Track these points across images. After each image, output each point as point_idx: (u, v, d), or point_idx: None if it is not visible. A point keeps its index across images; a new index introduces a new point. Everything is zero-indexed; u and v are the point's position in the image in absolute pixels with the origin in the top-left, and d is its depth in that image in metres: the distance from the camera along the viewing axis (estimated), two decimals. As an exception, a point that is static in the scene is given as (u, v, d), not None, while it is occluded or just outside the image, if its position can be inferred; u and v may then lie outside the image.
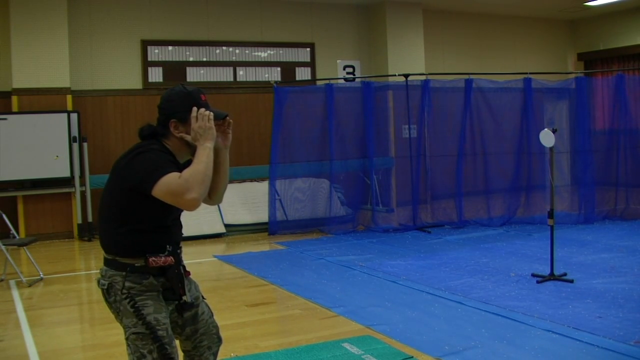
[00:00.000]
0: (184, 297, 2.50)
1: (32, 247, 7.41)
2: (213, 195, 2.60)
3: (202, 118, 2.42)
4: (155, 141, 2.47)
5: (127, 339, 2.39)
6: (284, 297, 5.61)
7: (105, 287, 2.43)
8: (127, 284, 2.39)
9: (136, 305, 2.38)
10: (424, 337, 4.28)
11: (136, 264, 2.40)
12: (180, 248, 2.56)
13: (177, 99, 2.48)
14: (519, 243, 7.63)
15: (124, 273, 2.40)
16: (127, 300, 2.38)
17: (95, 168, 9.38)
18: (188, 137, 2.46)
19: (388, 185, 9.32)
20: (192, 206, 2.31)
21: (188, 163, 2.46)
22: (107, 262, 2.46)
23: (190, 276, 2.64)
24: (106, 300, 2.46)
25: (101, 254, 2.52)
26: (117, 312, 2.42)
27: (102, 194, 2.53)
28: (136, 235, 2.41)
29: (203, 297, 2.69)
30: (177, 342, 2.63)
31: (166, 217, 2.47)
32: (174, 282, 2.47)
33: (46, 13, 9.09)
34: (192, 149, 2.46)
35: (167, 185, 2.29)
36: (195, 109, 2.44)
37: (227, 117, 2.56)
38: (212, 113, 2.45)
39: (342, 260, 7.00)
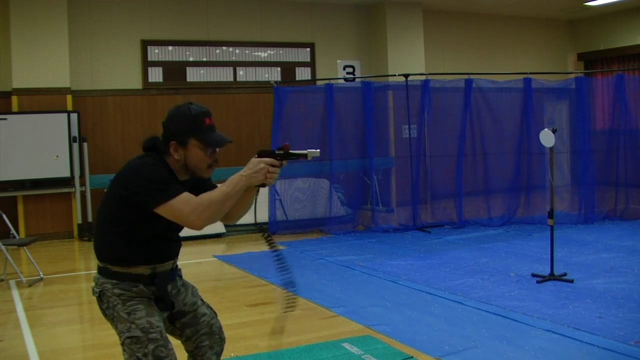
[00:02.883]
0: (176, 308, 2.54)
1: (32, 247, 7.41)
2: (230, 219, 2.56)
3: (261, 171, 2.34)
4: (157, 155, 2.45)
5: (122, 344, 2.39)
6: (284, 295, 5.60)
7: (97, 294, 2.45)
8: (116, 290, 2.41)
9: (129, 310, 2.39)
10: (424, 337, 4.27)
11: (126, 272, 2.42)
12: (175, 262, 2.58)
13: (179, 120, 2.42)
14: (519, 243, 7.63)
15: (114, 281, 2.42)
16: (119, 305, 2.40)
17: (95, 168, 9.39)
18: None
19: (388, 185, 9.31)
20: (196, 229, 2.32)
21: (188, 181, 2.47)
22: (99, 270, 2.48)
23: (186, 281, 2.66)
24: (100, 307, 2.48)
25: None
26: (112, 318, 2.43)
27: (101, 201, 2.53)
28: (130, 245, 2.41)
29: (202, 300, 2.70)
30: (178, 342, 2.65)
31: (168, 231, 2.48)
32: (164, 292, 2.49)
33: (46, 13, 9.09)
34: (189, 172, 2.44)
35: (176, 210, 2.28)
36: (264, 165, 2.33)
37: (283, 161, 2.41)
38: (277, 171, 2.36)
39: (342, 260, 7.00)
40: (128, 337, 2.36)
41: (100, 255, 2.47)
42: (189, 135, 2.40)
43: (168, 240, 2.52)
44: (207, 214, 2.28)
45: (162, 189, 2.30)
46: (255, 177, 2.33)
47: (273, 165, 2.36)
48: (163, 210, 2.30)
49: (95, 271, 2.52)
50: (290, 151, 2.40)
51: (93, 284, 2.51)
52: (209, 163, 2.45)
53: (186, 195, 2.31)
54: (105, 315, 2.47)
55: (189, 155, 2.41)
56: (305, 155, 2.41)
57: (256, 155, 2.40)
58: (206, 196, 2.31)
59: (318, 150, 2.43)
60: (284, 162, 2.39)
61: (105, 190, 2.53)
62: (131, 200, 2.34)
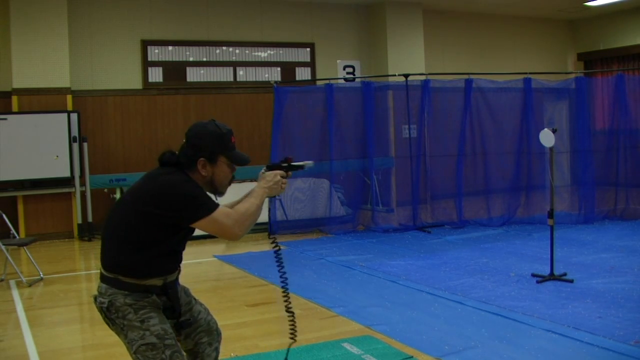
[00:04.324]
0: (182, 317, 2.59)
1: (32, 247, 7.41)
2: None
3: (278, 183, 2.55)
4: (181, 171, 2.47)
5: (134, 352, 2.38)
6: (283, 297, 5.59)
7: (106, 305, 2.42)
8: (128, 300, 2.40)
9: (142, 318, 2.39)
10: (424, 337, 4.28)
11: (139, 284, 2.42)
12: (180, 271, 2.63)
13: (209, 138, 2.49)
14: (519, 243, 7.63)
15: (125, 292, 2.41)
16: (131, 314, 2.39)
17: (95, 168, 9.39)
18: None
19: (388, 185, 9.31)
20: (234, 240, 2.45)
21: None
22: (107, 280, 2.45)
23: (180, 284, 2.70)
24: (107, 317, 2.45)
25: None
26: (122, 327, 2.42)
27: (113, 213, 2.52)
28: (149, 259, 2.42)
29: (195, 299, 2.74)
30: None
31: (182, 243, 2.53)
32: (176, 301, 2.52)
33: (46, 13, 9.09)
34: (212, 187, 2.52)
35: (218, 223, 2.37)
36: (280, 178, 2.54)
37: (289, 172, 2.62)
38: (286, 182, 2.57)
39: (342, 260, 7.00)
40: (142, 345, 2.36)
41: (110, 267, 2.44)
42: (219, 153, 2.49)
43: (179, 252, 2.57)
44: (246, 225, 2.42)
45: (202, 204, 2.37)
46: (275, 188, 2.53)
47: (282, 177, 2.56)
48: (204, 224, 2.37)
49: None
50: (292, 163, 2.63)
51: (97, 294, 2.48)
52: (230, 179, 2.57)
53: (224, 209, 2.41)
54: (113, 324, 2.44)
55: (216, 171, 2.50)
56: (302, 167, 2.64)
57: (265, 169, 2.59)
58: (242, 208, 2.43)
59: (312, 161, 2.69)
60: (289, 173, 2.60)
61: (114, 195, 2.55)
62: (164, 217, 2.36)
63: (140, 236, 2.39)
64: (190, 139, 2.50)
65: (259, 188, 2.51)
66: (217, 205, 2.40)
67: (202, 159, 2.47)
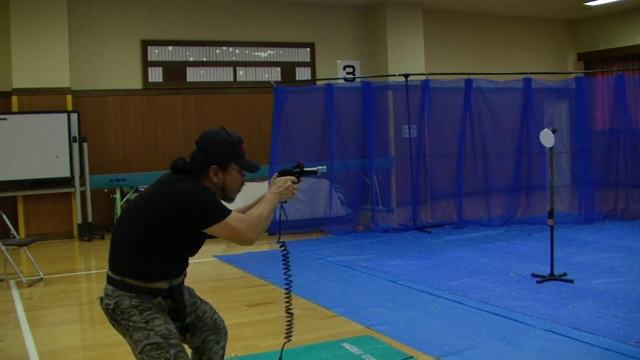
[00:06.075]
0: (188, 319, 2.61)
1: (32, 247, 7.40)
2: None
3: (289, 188, 2.63)
4: (192, 177, 2.51)
5: (139, 352, 2.40)
6: (284, 297, 5.59)
7: (112, 306, 2.45)
8: (133, 302, 2.43)
9: (147, 319, 2.42)
10: (424, 337, 4.28)
11: (145, 286, 2.45)
12: (185, 274, 2.66)
13: (222, 146, 2.53)
14: (519, 243, 7.63)
15: (132, 294, 2.44)
16: (136, 315, 2.42)
17: (95, 168, 9.39)
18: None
19: (388, 185, 9.31)
20: (247, 244, 2.49)
21: None
22: (113, 282, 2.47)
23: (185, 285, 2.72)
24: (112, 319, 2.48)
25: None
26: (127, 328, 2.44)
27: (124, 217, 2.54)
28: (160, 263, 2.45)
29: (200, 299, 2.76)
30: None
31: (192, 249, 2.57)
32: (181, 304, 2.55)
33: (46, 13, 9.09)
34: (223, 194, 2.56)
35: (232, 228, 2.42)
36: (290, 184, 2.62)
37: (300, 177, 2.70)
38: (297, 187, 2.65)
39: (342, 260, 7.00)
40: (147, 344, 2.38)
41: (118, 269, 2.47)
42: (231, 160, 2.53)
43: (188, 257, 2.60)
44: (259, 229, 2.48)
45: (217, 210, 2.42)
46: (285, 194, 2.61)
47: (293, 182, 2.64)
48: (218, 229, 2.42)
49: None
50: (305, 169, 2.69)
51: (102, 295, 2.51)
52: (240, 185, 2.62)
53: (237, 214, 2.46)
54: (118, 325, 2.47)
55: (228, 178, 2.55)
56: (315, 172, 2.70)
57: (277, 175, 2.65)
58: (255, 213, 2.49)
59: (325, 167, 2.74)
60: (301, 178, 2.68)
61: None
62: (180, 223, 2.40)
63: (152, 241, 2.43)
64: (202, 147, 2.53)
65: (270, 194, 2.57)
66: (230, 211, 2.45)
67: (214, 166, 2.51)
